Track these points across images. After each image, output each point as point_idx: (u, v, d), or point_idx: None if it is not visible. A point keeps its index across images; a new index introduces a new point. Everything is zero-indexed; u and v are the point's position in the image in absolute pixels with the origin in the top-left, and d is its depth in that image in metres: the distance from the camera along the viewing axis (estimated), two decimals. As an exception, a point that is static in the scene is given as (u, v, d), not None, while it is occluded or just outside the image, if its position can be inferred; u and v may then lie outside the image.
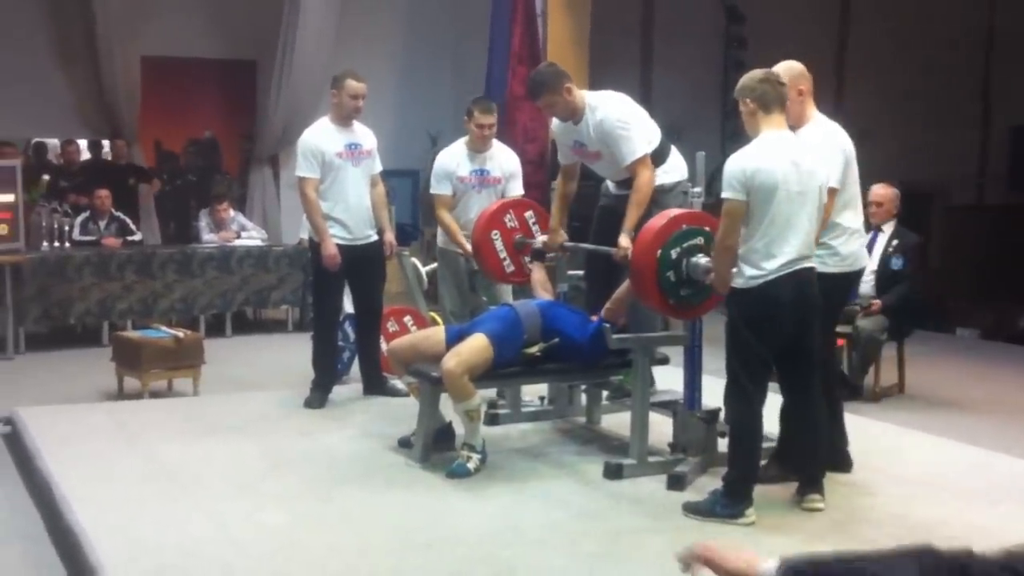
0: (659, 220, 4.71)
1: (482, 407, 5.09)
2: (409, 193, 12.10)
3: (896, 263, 6.99)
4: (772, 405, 4.59)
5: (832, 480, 4.67)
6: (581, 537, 4.16)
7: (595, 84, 9.71)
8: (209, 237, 9.50)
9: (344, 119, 6.22)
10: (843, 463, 4.96)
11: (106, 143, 11.02)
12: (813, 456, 4.57)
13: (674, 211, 4.83)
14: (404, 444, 5.26)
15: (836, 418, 4.93)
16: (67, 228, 8.89)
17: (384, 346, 6.27)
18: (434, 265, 6.91)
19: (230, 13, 11.38)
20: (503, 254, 5.84)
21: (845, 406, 5.23)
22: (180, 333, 7.02)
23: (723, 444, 4.73)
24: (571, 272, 5.87)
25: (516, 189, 6.34)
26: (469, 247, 6.03)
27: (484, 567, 3.87)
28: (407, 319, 6.95)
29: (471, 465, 4.89)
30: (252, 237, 9.70)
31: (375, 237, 6.35)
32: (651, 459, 4.92)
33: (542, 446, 5.44)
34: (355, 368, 6.77)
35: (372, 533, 4.22)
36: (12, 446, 5.72)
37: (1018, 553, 1.49)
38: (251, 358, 8.27)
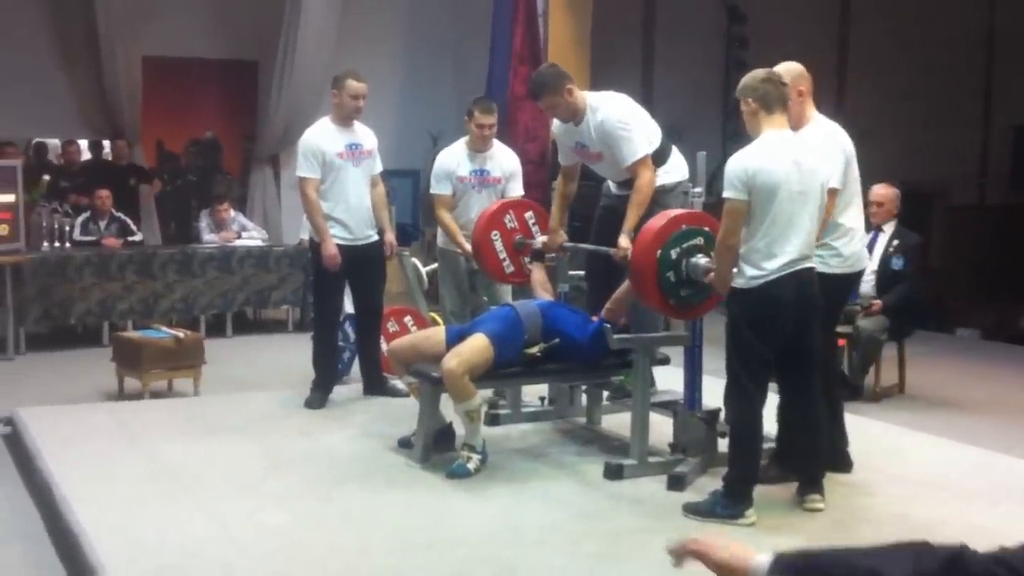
0: (659, 220, 4.71)
1: (482, 407, 5.09)
2: (410, 193, 12.10)
3: (897, 263, 6.99)
4: (772, 405, 4.59)
5: (832, 480, 4.67)
6: (581, 537, 4.16)
7: (596, 84, 9.72)
8: (210, 237, 9.50)
9: (345, 119, 6.22)
10: (843, 463, 4.96)
11: (107, 143, 11.03)
12: (813, 456, 4.56)
13: (674, 211, 4.84)
14: (404, 444, 5.26)
15: (836, 418, 4.93)
16: (68, 228, 8.89)
17: (384, 346, 6.27)
18: (435, 265, 6.91)
19: (232, 13, 11.38)
20: (503, 254, 5.84)
21: (846, 406, 5.23)
22: (181, 333, 7.02)
23: (723, 444, 4.73)
24: (572, 272, 5.87)
25: (516, 189, 6.34)
26: (468, 247, 6.03)
27: (484, 567, 3.87)
28: (407, 319, 6.95)
29: (471, 465, 4.90)
30: (253, 237, 9.70)
31: (375, 237, 6.35)
32: (651, 459, 4.92)
33: (542, 446, 5.44)
34: (355, 368, 6.77)
35: (372, 533, 4.22)
36: (12, 446, 5.72)
37: (1012, 550, 1.50)
38: (252, 358, 8.27)
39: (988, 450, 5.57)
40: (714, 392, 4.73)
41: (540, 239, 5.74)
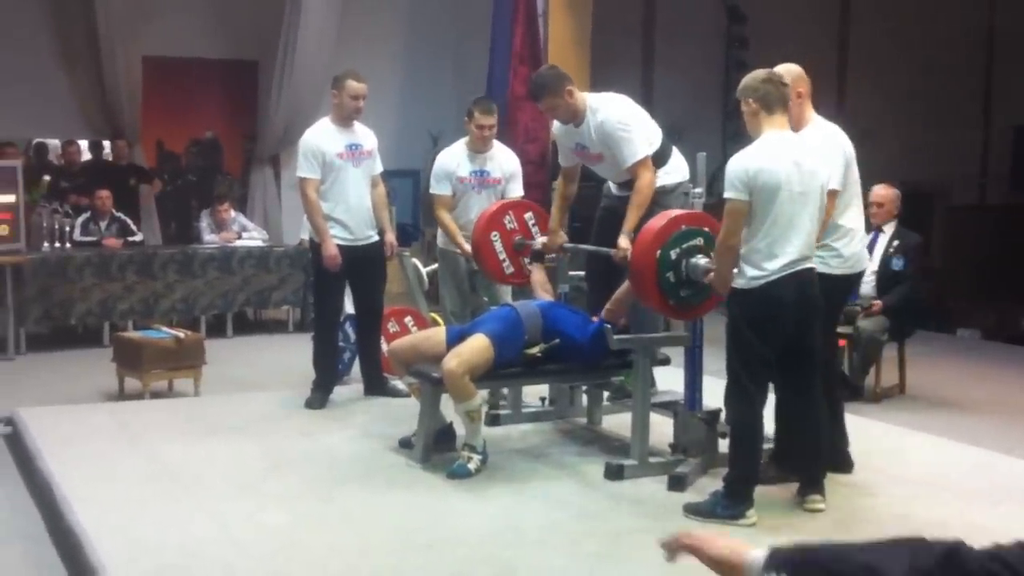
0: (659, 221, 4.71)
1: (483, 408, 5.08)
2: (410, 193, 12.10)
3: (897, 264, 6.99)
4: (772, 405, 4.59)
5: (833, 481, 4.67)
6: (582, 538, 4.16)
7: (596, 84, 9.75)
8: (210, 238, 9.50)
9: (345, 119, 6.22)
10: (844, 464, 4.96)
11: (107, 143, 11.02)
12: (814, 457, 4.56)
13: (674, 212, 4.84)
14: (405, 444, 5.26)
15: (837, 419, 4.93)
16: (68, 229, 8.89)
17: (385, 347, 6.27)
18: (435, 266, 6.91)
19: (232, 13, 11.38)
20: (503, 255, 5.84)
21: (846, 407, 5.23)
22: (181, 333, 7.02)
23: (724, 445, 4.73)
24: (572, 273, 5.87)
25: (516, 190, 6.34)
26: (468, 248, 6.03)
27: (485, 567, 3.87)
28: (408, 320, 6.95)
29: (472, 466, 4.90)
30: (253, 238, 9.71)
31: (376, 238, 6.35)
32: (652, 460, 4.92)
33: (543, 447, 5.44)
34: (356, 369, 6.77)
35: (373, 533, 4.22)
36: (13, 446, 5.73)
37: (1007, 546, 1.50)
38: (252, 358, 8.28)
39: (989, 450, 5.57)
40: (715, 392, 4.73)
41: (540, 240, 5.74)
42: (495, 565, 3.89)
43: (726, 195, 4.28)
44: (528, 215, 5.93)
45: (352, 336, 6.75)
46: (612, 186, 5.53)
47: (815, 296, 4.38)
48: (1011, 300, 10.79)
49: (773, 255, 4.25)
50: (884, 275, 6.98)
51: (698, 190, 5.00)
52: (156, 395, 6.72)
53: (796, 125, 4.62)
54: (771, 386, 4.54)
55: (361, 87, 6.17)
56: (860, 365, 6.94)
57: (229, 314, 9.25)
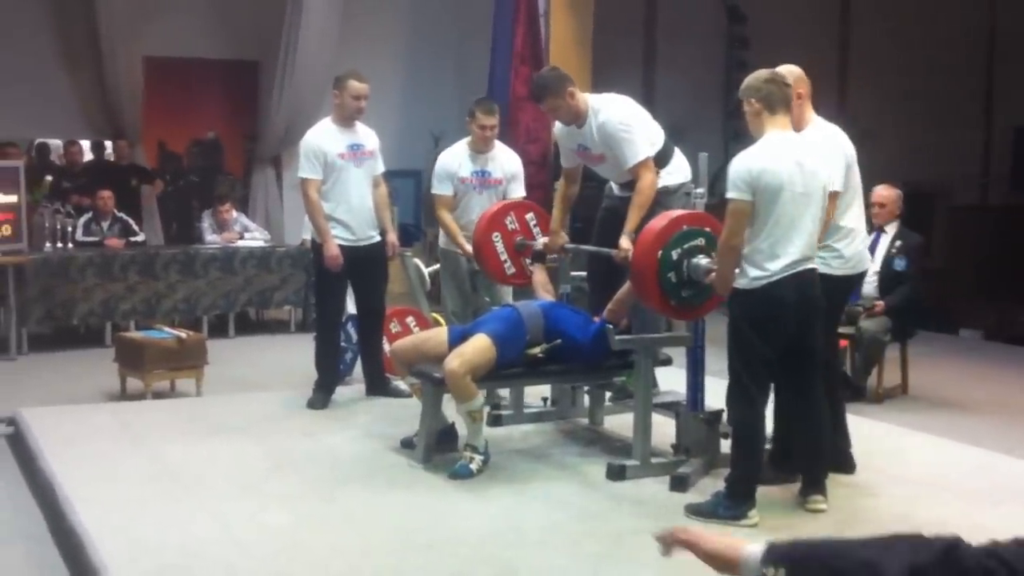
0: (660, 221, 4.71)
1: (484, 408, 5.09)
2: (412, 193, 12.10)
3: (899, 264, 6.98)
4: (771, 406, 4.60)
5: (835, 481, 4.67)
6: (583, 538, 4.16)
7: (598, 84, 9.76)
8: (212, 238, 9.51)
9: (346, 120, 6.22)
10: (846, 464, 4.96)
11: (108, 144, 11.03)
12: (816, 457, 4.57)
13: (675, 212, 4.84)
14: (406, 445, 5.27)
15: (838, 419, 4.93)
16: (70, 229, 8.89)
17: (387, 347, 6.27)
18: (437, 266, 6.91)
19: (233, 13, 11.38)
20: (504, 256, 5.85)
21: (848, 407, 5.23)
22: (183, 334, 7.02)
23: (726, 445, 4.73)
24: (574, 273, 5.88)
25: (517, 191, 6.34)
26: (469, 248, 6.03)
27: (486, 568, 3.87)
28: (410, 320, 6.95)
29: (474, 466, 4.90)
30: (255, 238, 9.71)
31: (377, 238, 6.35)
32: (654, 460, 4.92)
33: (545, 447, 5.44)
34: (358, 369, 6.78)
35: (374, 533, 4.23)
36: (15, 446, 5.73)
37: (1004, 543, 1.51)
38: (254, 359, 8.28)
39: (990, 451, 5.57)
40: (716, 393, 4.73)
41: (541, 240, 5.74)
42: (496, 565, 3.89)
43: (729, 195, 4.27)
44: (529, 215, 5.93)
45: (354, 336, 6.75)
46: (614, 186, 5.53)
47: (816, 296, 4.38)
48: (1012, 300, 10.77)
49: (775, 255, 4.25)
50: (886, 275, 6.97)
51: (699, 190, 5.00)
52: (158, 395, 6.72)
53: (796, 126, 4.62)
54: (772, 386, 4.54)
55: (363, 87, 6.17)
56: (862, 366, 6.94)
57: (231, 314, 9.25)
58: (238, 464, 5.10)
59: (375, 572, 3.88)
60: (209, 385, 6.88)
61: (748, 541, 1.69)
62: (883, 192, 7.00)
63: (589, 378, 5.53)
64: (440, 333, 5.38)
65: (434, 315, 6.88)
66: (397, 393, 6.28)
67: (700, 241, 4.64)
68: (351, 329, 6.76)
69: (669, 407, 5.13)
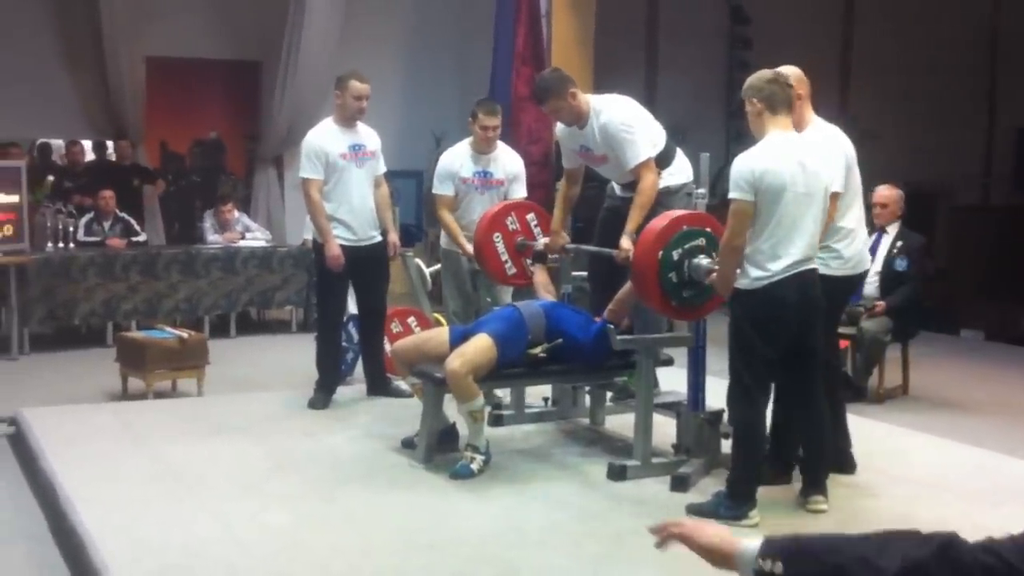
0: (660, 221, 4.71)
1: (486, 408, 5.09)
2: (413, 194, 12.10)
3: (900, 264, 6.97)
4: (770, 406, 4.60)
5: (836, 481, 4.67)
6: (584, 538, 4.16)
7: (599, 84, 9.76)
8: (214, 238, 9.51)
9: (348, 120, 6.23)
10: (847, 464, 4.96)
11: (110, 144, 11.03)
12: (817, 458, 4.56)
13: (675, 212, 4.84)
14: (407, 445, 5.27)
15: (838, 419, 4.92)
16: (71, 229, 8.90)
17: (388, 347, 6.27)
18: (438, 266, 6.91)
19: (235, 14, 11.38)
20: (505, 256, 5.85)
21: (849, 407, 5.23)
22: (184, 333, 7.03)
23: (727, 446, 4.73)
24: (575, 273, 5.88)
25: (519, 191, 6.34)
26: (470, 248, 6.04)
27: (487, 568, 3.88)
28: (411, 320, 6.95)
29: (475, 466, 4.90)
30: (256, 238, 9.72)
31: (379, 238, 6.35)
32: (655, 460, 4.92)
33: (546, 447, 5.44)
34: (359, 369, 6.78)
35: (375, 534, 4.23)
36: (16, 446, 5.73)
37: (1000, 540, 1.51)
38: (255, 359, 8.28)
39: (991, 451, 5.57)
40: (717, 393, 4.73)
41: (542, 241, 5.74)
42: (497, 565, 3.90)
43: (731, 195, 4.27)
44: (530, 216, 5.93)
45: (355, 336, 6.75)
46: (616, 187, 5.53)
47: (817, 297, 4.38)
48: (1013, 301, 10.77)
49: (777, 256, 4.24)
50: (887, 276, 6.96)
51: (701, 191, 5.00)
52: (159, 395, 6.72)
53: (796, 127, 4.62)
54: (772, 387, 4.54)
55: (364, 87, 6.17)
56: (863, 366, 6.94)
57: (232, 314, 9.26)
58: (239, 464, 5.10)
59: (376, 572, 3.88)
60: (210, 385, 6.88)
61: (744, 535, 1.69)
62: (884, 192, 6.99)
63: (590, 378, 5.53)
64: (441, 333, 5.38)
65: (435, 315, 6.88)
66: (398, 393, 6.28)
67: (701, 241, 4.64)
68: (352, 329, 6.76)
69: (670, 407, 5.13)
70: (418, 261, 7.38)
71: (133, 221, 9.36)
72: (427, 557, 3.98)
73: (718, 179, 8.02)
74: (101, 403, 6.64)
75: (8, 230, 8.12)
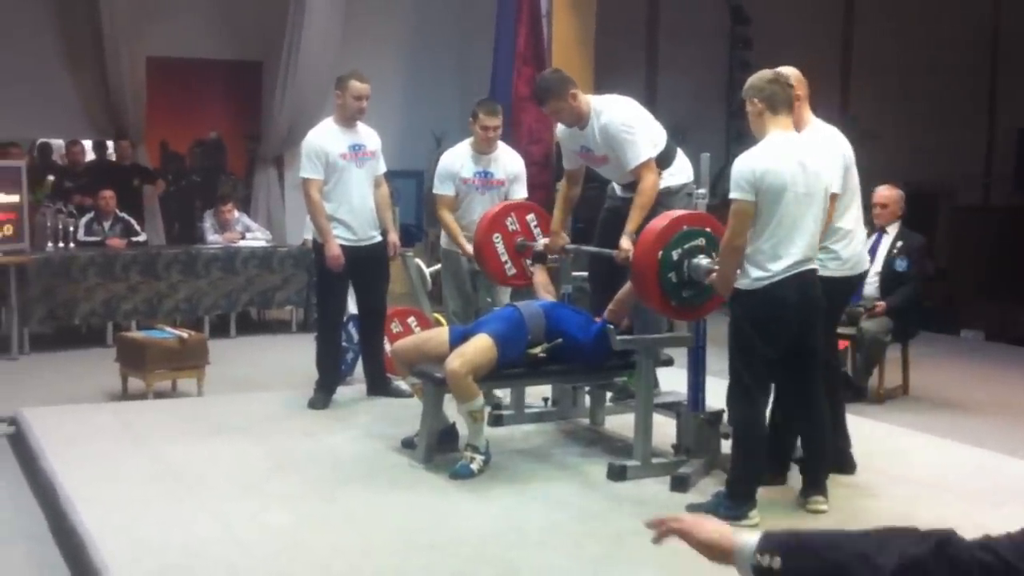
0: (660, 221, 4.71)
1: (485, 408, 5.08)
2: (413, 194, 12.10)
3: (901, 264, 6.97)
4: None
5: (836, 482, 4.67)
6: (584, 538, 4.16)
7: (600, 84, 9.76)
8: (214, 238, 9.52)
9: (348, 120, 6.23)
10: (847, 465, 4.96)
11: (111, 144, 11.03)
12: (817, 458, 4.56)
13: (675, 212, 4.84)
14: (407, 445, 5.27)
15: (838, 419, 4.92)
16: (72, 229, 8.90)
17: (388, 347, 6.27)
18: (438, 266, 6.91)
19: (236, 14, 11.38)
20: (504, 257, 5.85)
21: (850, 408, 5.23)
22: (184, 333, 7.03)
23: (727, 446, 4.73)
24: (575, 273, 5.88)
25: (519, 192, 6.33)
26: (470, 248, 6.04)
27: (488, 568, 3.87)
28: (411, 320, 6.95)
29: (475, 466, 4.90)
30: (257, 238, 9.72)
31: (379, 238, 6.35)
32: (655, 461, 4.92)
33: (546, 447, 5.44)
34: (359, 369, 6.78)
35: (376, 534, 4.23)
36: (16, 446, 5.73)
37: (997, 538, 1.51)
38: (255, 359, 8.28)
39: (992, 452, 5.57)
40: (717, 393, 4.73)
41: (542, 241, 5.74)
42: (498, 566, 3.90)
43: (732, 195, 4.27)
44: (530, 216, 5.93)
45: (355, 336, 6.75)
46: (616, 187, 5.54)
47: (817, 297, 4.38)
48: (1014, 301, 10.77)
49: (778, 256, 4.24)
50: (888, 276, 6.96)
51: (701, 191, 5.00)
52: (159, 395, 6.72)
53: (794, 127, 4.62)
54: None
55: (364, 87, 6.17)
56: (863, 366, 6.94)
57: (232, 314, 9.26)
58: (239, 464, 5.10)
59: (376, 572, 3.88)
60: (210, 385, 6.88)
61: (742, 530, 1.69)
62: (885, 192, 6.99)
63: (590, 378, 5.53)
64: (441, 333, 5.38)
65: (435, 315, 6.88)
66: (398, 393, 6.28)
67: (700, 241, 4.64)
68: (352, 329, 6.76)
69: (670, 407, 5.13)
70: (418, 261, 7.38)
71: (133, 221, 9.36)
72: (427, 557, 3.98)
73: (719, 179, 8.02)
74: (101, 403, 6.64)
75: (8, 230, 8.12)
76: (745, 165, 4.27)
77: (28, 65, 10.45)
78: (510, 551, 4.04)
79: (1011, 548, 1.49)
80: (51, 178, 9.82)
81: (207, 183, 10.98)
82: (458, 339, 5.08)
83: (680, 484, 4.69)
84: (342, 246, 6.15)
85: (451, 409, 5.14)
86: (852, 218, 4.83)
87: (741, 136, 10.22)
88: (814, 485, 4.52)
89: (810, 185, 4.27)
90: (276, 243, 9.96)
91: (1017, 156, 13.64)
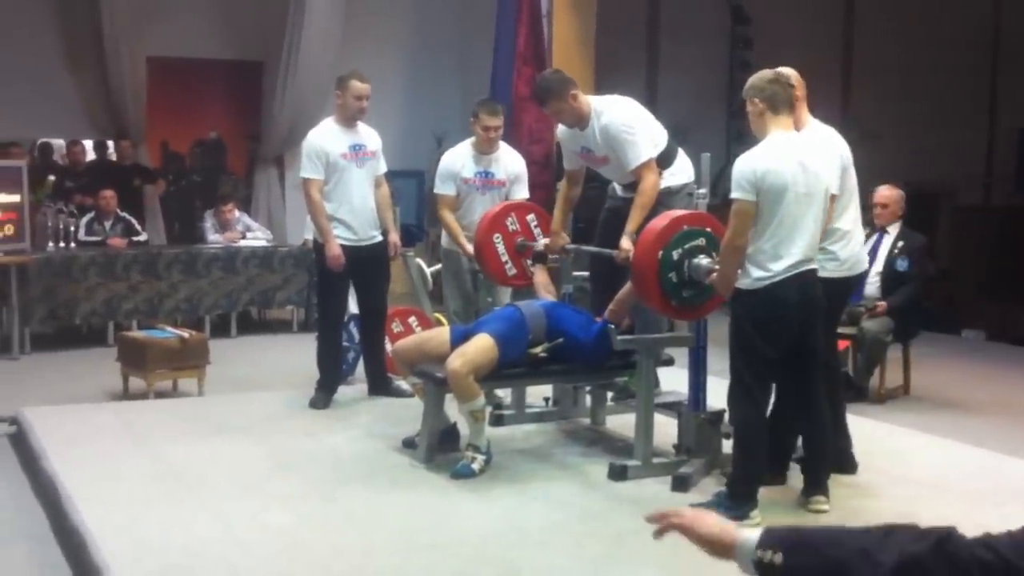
0: (660, 221, 4.70)
1: (486, 408, 5.08)
2: (414, 194, 12.10)
3: (902, 264, 6.97)
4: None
5: (837, 482, 4.67)
6: (585, 538, 4.16)
7: (600, 84, 9.76)
8: (214, 238, 9.52)
9: (348, 120, 6.23)
10: (848, 465, 4.96)
11: (111, 144, 11.04)
12: (818, 458, 4.56)
13: (676, 212, 4.83)
14: (408, 445, 5.27)
15: (839, 419, 4.92)
16: (72, 228, 8.91)
17: (389, 347, 6.27)
18: (439, 266, 6.92)
19: (236, 14, 11.38)
20: (505, 257, 5.85)
21: (851, 408, 5.23)
22: (185, 333, 7.03)
23: (727, 446, 4.73)
24: (576, 273, 5.88)
25: (520, 192, 6.33)
26: (470, 248, 6.04)
27: (488, 568, 3.87)
28: (412, 320, 6.95)
29: (476, 466, 4.90)
30: (257, 238, 9.73)
31: (379, 238, 6.35)
32: (655, 460, 4.92)
33: (546, 447, 5.44)
34: (360, 369, 6.78)
35: (376, 534, 4.23)
36: (17, 446, 5.73)
37: (998, 536, 1.52)
38: (256, 358, 8.28)
39: (993, 452, 5.57)
40: (718, 393, 4.73)
41: (542, 241, 5.74)
42: (498, 565, 3.90)
43: (733, 195, 4.27)
44: (530, 216, 5.93)
45: (356, 336, 6.75)
46: (617, 187, 5.54)
47: (818, 297, 4.38)
48: (1015, 301, 10.77)
49: (778, 256, 4.25)
50: (889, 276, 6.96)
51: (702, 191, 5.00)
52: (160, 395, 6.73)
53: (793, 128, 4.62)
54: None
55: (365, 87, 6.17)
56: (864, 366, 6.93)
57: (233, 314, 9.26)
58: (240, 464, 5.10)
59: (377, 572, 3.88)
60: (211, 385, 6.88)
61: (743, 526, 1.69)
62: (885, 192, 6.99)
63: (591, 378, 5.53)
64: (442, 333, 5.38)
65: (436, 315, 6.89)
66: (399, 393, 6.28)
67: (701, 241, 4.64)
68: (353, 329, 6.76)
69: (671, 407, 5.13)
70: (419, 261, 7.39)
71: (134, 221, 9.36)
72: (428, 557, 3.98)
73: (719, 179, 8.02)
74: (102, 403, 6.64)
75: (9, 230, 8.13)
76: (746, 165, 4.27)
77: (28, 65, 10.45)
78: (511, 551, 4.04)
79: (1011, 546, 1.49)
80: (52, 178, 9.83)
81: (207, 183, 10.98)
82: (459, 339, 5.08)
83: (681, 484, 4.70)
84: (343, 246, 6.15)
85: (452, 409, 5.15)
86: (850, 219, 4.83)
87: (742, 136, 10.22)
88: (815, 485, 4.52)
89: (810, 185, 4.27)
90: (277, 243, 9.96)
91: (1018, 156, 13.64)
